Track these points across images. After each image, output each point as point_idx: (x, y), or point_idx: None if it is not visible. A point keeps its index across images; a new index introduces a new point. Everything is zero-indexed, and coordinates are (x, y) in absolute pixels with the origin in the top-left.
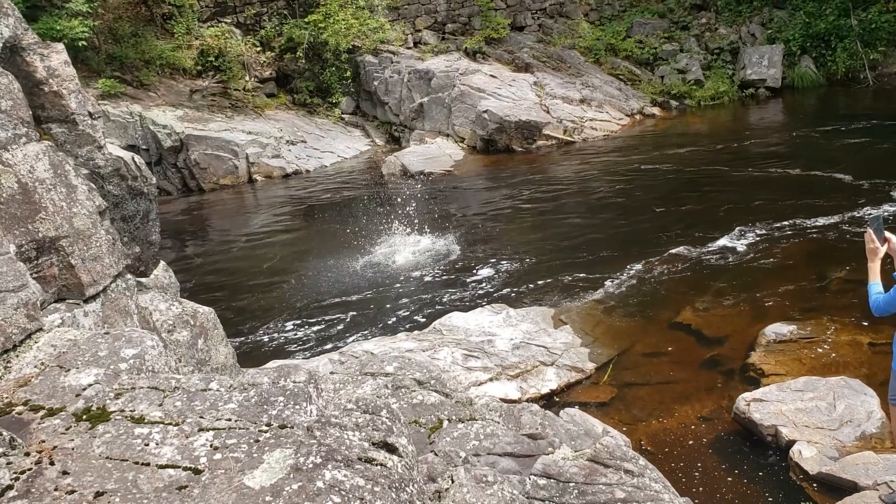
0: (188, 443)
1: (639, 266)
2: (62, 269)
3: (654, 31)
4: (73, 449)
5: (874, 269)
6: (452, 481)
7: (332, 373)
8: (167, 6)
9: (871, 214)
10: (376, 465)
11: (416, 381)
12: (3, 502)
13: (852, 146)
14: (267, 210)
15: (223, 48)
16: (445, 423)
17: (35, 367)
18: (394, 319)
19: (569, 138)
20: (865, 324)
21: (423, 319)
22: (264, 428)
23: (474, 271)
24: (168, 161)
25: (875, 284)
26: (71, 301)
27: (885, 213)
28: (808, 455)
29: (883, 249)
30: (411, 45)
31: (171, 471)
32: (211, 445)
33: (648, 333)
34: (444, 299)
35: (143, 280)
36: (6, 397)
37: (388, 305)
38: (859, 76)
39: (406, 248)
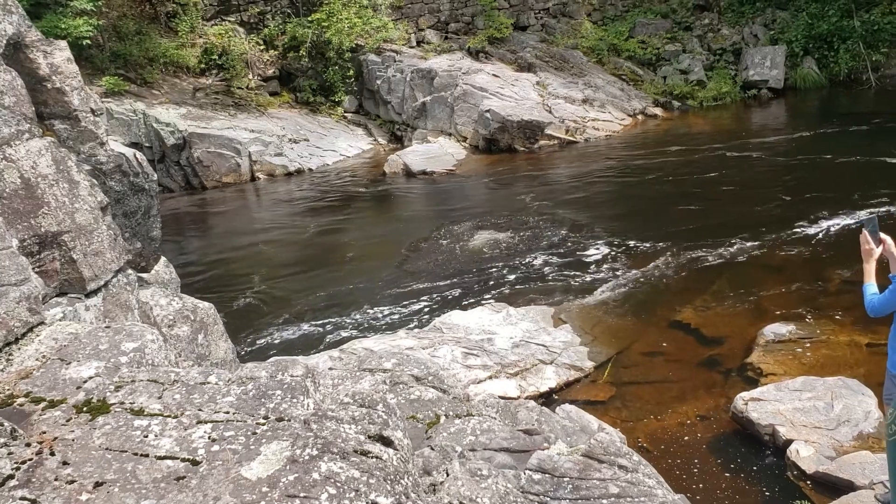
0: (186, 435)
1: (638, 265)
2: (64, 264)
3: (656, 32)
4: (73, 440)
5: (869, 270)
6: (447, 475)
7: (330, 368)
8: (171, 4)
9: (866, 216)
10: (372, 457)
11: (414, 377)
12: (5, 491)
13: (854, 148)
14: (268, 208)
15: (227, 46)
16: (443, 419)
17: (37, 359)
18: (394, 318)
19: (571, 138)
20: (864, 324)
21: (424, 317)
22: (262, 421)
23: (474, 270)
24: (171, 159)
25: (870, 285)
26: (72, 295)
27: (880, 214)
28: (805, 454)
29: (878, 251)
30: (414, 44)
31: (169, 462)
32: (209, 437)
33: (647, 332)
34: (445, 297)
35: (143, 275)
36: (8, 389)
37: (388, 304)
38: (862, 77)
39: (407, 248)
